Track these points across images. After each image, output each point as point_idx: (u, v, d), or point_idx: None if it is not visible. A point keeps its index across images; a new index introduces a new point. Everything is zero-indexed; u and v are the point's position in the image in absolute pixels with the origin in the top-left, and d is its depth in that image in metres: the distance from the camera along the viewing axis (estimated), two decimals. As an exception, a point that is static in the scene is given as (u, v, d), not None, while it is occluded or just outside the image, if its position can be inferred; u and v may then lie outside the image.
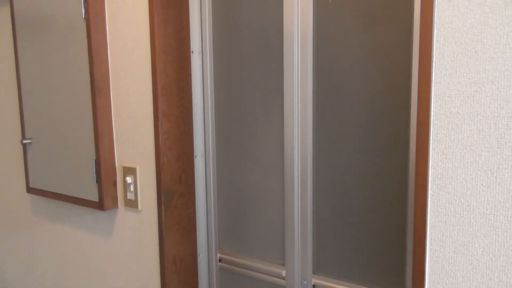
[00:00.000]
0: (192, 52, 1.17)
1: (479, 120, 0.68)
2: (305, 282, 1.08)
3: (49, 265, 1.53)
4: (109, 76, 1.21)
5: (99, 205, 1.22)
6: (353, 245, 0.99)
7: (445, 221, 0.73)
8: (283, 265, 1.11)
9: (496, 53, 0.65)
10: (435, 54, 0.70)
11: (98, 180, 1.20)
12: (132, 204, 1.20)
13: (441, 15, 0.69)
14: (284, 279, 1.11)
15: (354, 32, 0.93)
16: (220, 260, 1.23)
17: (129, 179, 1.20)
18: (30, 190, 1.44)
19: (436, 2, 0.69)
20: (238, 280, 1.21)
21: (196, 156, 1.21)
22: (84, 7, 1.15)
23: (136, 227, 1.21)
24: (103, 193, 1.20)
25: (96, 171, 1.21)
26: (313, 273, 1.07)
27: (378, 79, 0.91)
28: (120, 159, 1.22)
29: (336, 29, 0.96)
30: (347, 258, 1.01)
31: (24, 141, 1.40)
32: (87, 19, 1.15)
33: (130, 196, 1.20)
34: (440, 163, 0.72)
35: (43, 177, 1.38)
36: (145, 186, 1.17)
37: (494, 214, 0.68)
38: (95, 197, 1.23)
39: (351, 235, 0.99)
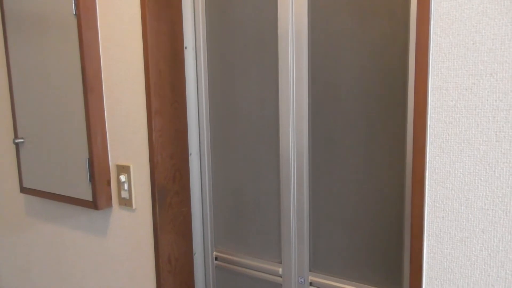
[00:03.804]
0: (186, 48, 1.15)
1: (477, 113, 0.66)
2: (301, 280, 1.07)
3: (44, 265, 1.51)
4: (101, 73, 1.19)
5: (93, 205, 1.20)
6: (349, 242, 0.98)
7: (443, 217, 0.71)
8: (280, 262, 1.10)
9: (495, 44, 0.64)
10: (432, 46, 0.69)
11: (92, 179, 1.19)
12: (126, 203, 1.19)
13: (438, 6, 0.68)
14: (280, 276, 1.10)
15: (350, 27, 0.92)
16: (216, 259, 1.22)
17: (123, 178, 1.18)
18: (23, 190, 1.42)
19: (432, -8, 0.68)
20: (234, 278, 1.19)
21: (190, 154, 1.19)
22: (74, 3, 1.13)
23: (131, 226, 1.20)
24: (97, 192, 1.19)
25: (89, 170, 1.19)
26: (310, 270, 1.05)
27: (374, 73, 0.90)
28: (114, 158, 1.21)
29: (332, 24, 0.94)
30: (344, 255, 1.00)
31: (17, 141, 1.38)
32: (77, 16, 1.13)
33: (124, 195, 1.19)
34: (437, 157, 0.70)
35: (36, 177, 1.36)
36: (139, 184, 1.16)
37: (492, 209, 0.67)
38: (89, 197, 1.21)
39: (348, 232, 0.98)
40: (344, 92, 0.94)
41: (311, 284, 1.06)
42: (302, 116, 1.00)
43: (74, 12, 1.13)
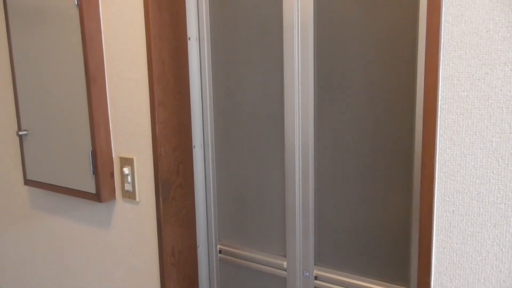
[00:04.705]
0: (189, 38, 1.13)
1: (490, 104, 0.64)
2: (306, 274, 1.06)
3: (47, 257, 1.52)
4: (104, 64, 1.17)
5: (97, 197, 1.19)
6: (355, 236, 0.97)
7: (453, 211, 0.69)
8: (284, 256, 1.09)
9: (510, 31, 0.61)
10: (443, 34, 0.66)
11: (95, 171, 1.18)
12: (130, 195, 1.18)
13: (449, -7, 0.65)
14: (285, 270, 1.09)
15: (357, 16, 0.89)
16: (220, 252, 1.21)
17: (126, 170, 1.17)
18: (27, 182, 1.41)
19: (444, -22, 0.65)
20: (238, 271, 1.18)
21: (194, 146, 1.18)
22: (76, -7, 1.11)
23: (134, 219, 1.19)
24: (100, 184, 1.18)
25: (92, 162, 1.18)
26: (315, 264, 1.04)
27: (382, 63, 0.87)
28: (117, 150, 1.20)
29: (338, 13, 0.91)
30: (349, 249, 0.98)
31: (20, 133, 1.37)
32: (79, 6, 1.11)
33: (128, 187, 1.18)
34: (448, 150, 0.68)
35: (40, 169, 1.35)
36: (142, 177, 1.14)
37: (505, 203, 0.65)
38: (92, 189, 1.20)
39: (354, 226, 0.97)
40: (351, 83, 0.92)
41: (316, 278, 1.04)
42: (307, 107, 0.98)
43: (76, 3, 1.12)
